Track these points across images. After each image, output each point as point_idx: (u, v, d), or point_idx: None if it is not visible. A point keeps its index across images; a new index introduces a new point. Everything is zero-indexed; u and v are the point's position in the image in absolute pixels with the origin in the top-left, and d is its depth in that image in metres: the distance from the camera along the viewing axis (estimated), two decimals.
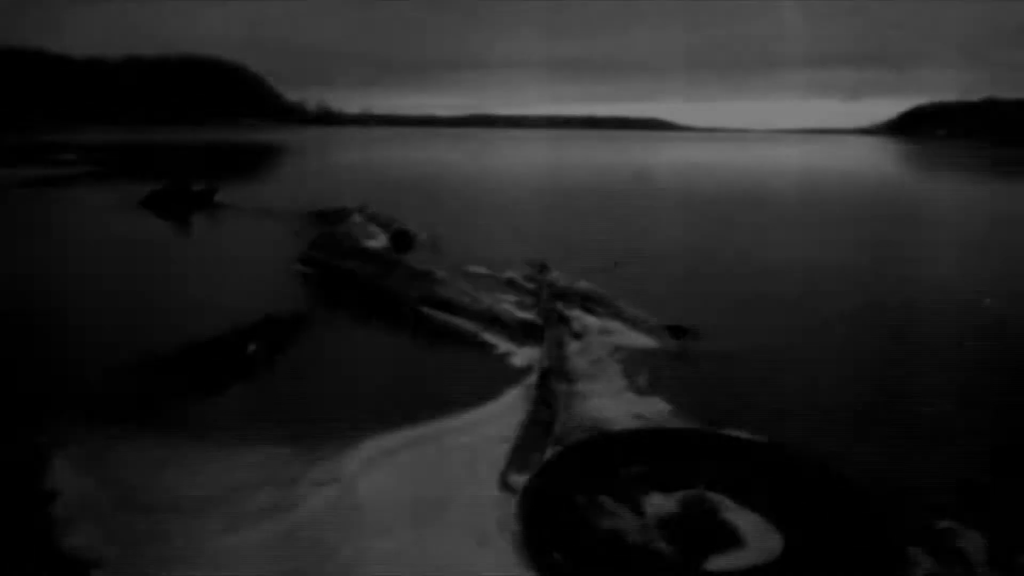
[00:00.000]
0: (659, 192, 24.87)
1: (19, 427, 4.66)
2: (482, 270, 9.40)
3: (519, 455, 4.11)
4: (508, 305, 7.52)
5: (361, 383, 5.69)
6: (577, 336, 6.58)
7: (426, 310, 7.63)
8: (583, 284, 8.19)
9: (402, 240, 12.01)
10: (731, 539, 3.31)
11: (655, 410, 4.87)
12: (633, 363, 5.86)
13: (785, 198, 23.07)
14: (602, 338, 6.49)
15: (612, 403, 4.99)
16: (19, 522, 3.55)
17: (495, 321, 7.03)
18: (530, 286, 8.49)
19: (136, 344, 5.91)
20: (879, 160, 57.00)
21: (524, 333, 6.68)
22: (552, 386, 5.11)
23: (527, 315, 7.15)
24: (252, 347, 6.06)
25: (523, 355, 6.15)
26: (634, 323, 6.89)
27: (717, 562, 3.13)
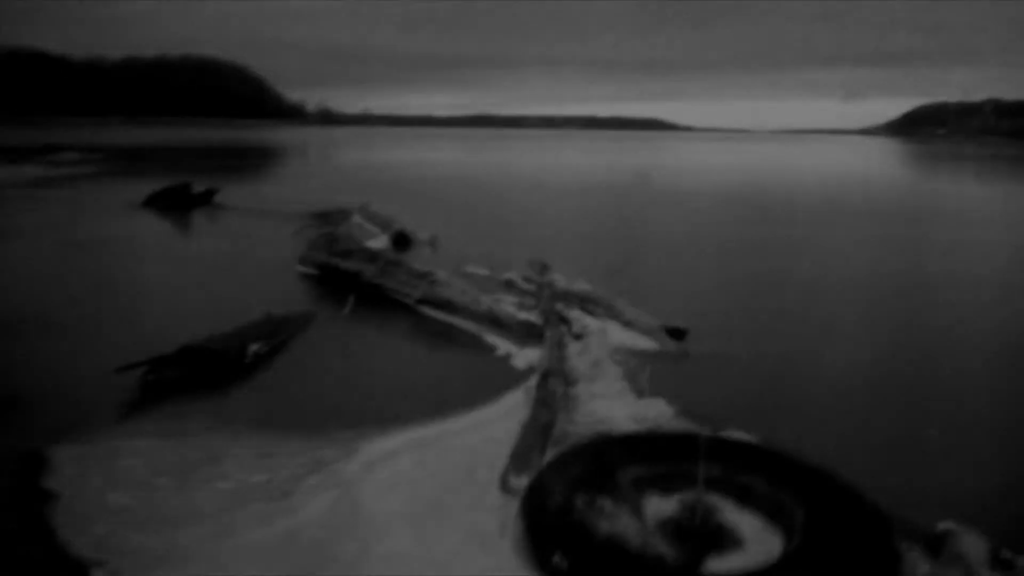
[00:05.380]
0: (660, 192, 24.87)
1: (18, 427, 4.66)
2: (482, 271, 9.40)
3: (519, 457, 4.11)
4: (508, 306, 7.52)
5: (361, 383, 5.69)
6: (577, 337, 6.58)
7: (427, 311, 7.63)
8: (583, 285, 8.19)
9: (402, 240, 12.01)
10: (731, 541, 3.31)
11: (655, 412, 4.87)
12: (633, 364, 5.86)
13: (787, 198, 23.07)
14: (602, 339, 6.49)
15: (612, 404, 4.99)
16: (19, 522, 3.55)
17: (495, 322, 7.03)
18: (530, 287, 8.49)
19: (137, 344, 5.91)
20: (880, 159, 57.00)
21: (524, 334, 6.68)
22: (552, 387, 5.11)
23: (527, 316, 7.16)
24: (252, 347, 6.06)
25: (523, 356, 6.16)
26: (634, 324, 6.89)
27: (717, 564, 3.13)
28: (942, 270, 10.90)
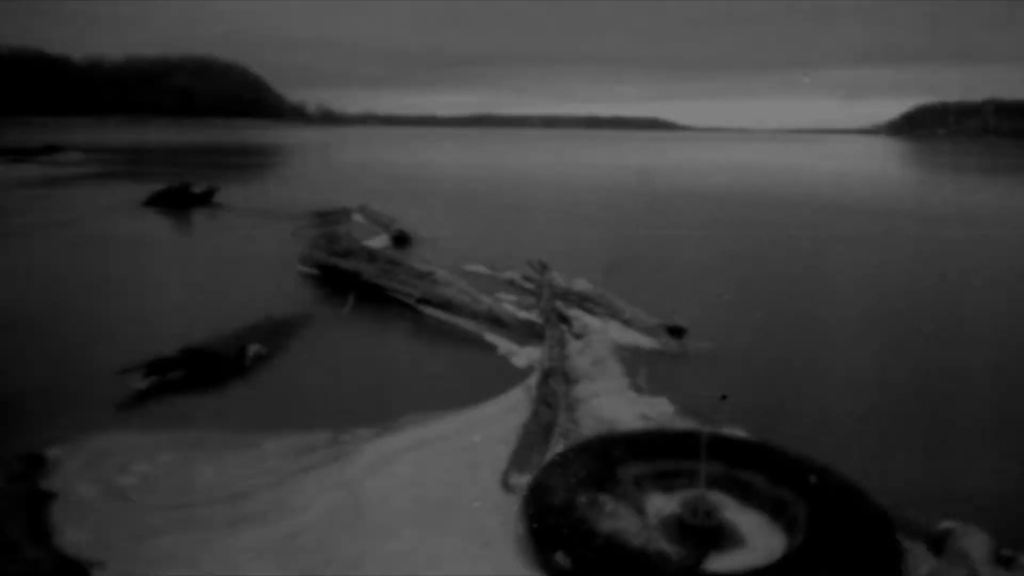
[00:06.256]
0: (660, 192, 24.85)
1: (19, 427, 4.66)
2: (483, 270, 9.40)
3: (521, 455, 4.11)
4: (509, 305, 7.52)
5: (362, 383, 5.69)
6: (578, 336, 6.57)
7: (427, 310, 7.63)
8: (583, 284, 8.18)
9: (402, 239, 12.01)
10: (732, 539, 3.31)
11: (656, 410, 4.87)
12: (633, 363, 5.86)
13: (787, 198, 23.04)
14: (602, 338, 6.48)
15: (613, 403, 4.99)
16: (19, 522, 3.55)
17: (496, 321, 7.02)
18: (530, 286, 8.48)
19: (137, 344, 5.91)
20: (880, 159, 56.97)
21: (525, 333, 6.67)
22: (553, 386, 5.11)
23: (527, 315, 7.15)
24: (252, 348, 6.05)
25: (524, 355, 6.15)
26: (634, 323, 6.88)
27: (718, 562, 3.13)
28: (943, 269, 10.88)
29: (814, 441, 4.31)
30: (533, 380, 5.37)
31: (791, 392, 5.58)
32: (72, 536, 3.37)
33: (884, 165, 49.08)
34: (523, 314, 7.17)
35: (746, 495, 3.58)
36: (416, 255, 10.46)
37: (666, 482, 3.69)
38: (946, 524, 3.27)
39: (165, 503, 3.70)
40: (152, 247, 12.19)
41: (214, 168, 30.47)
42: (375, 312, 7.81)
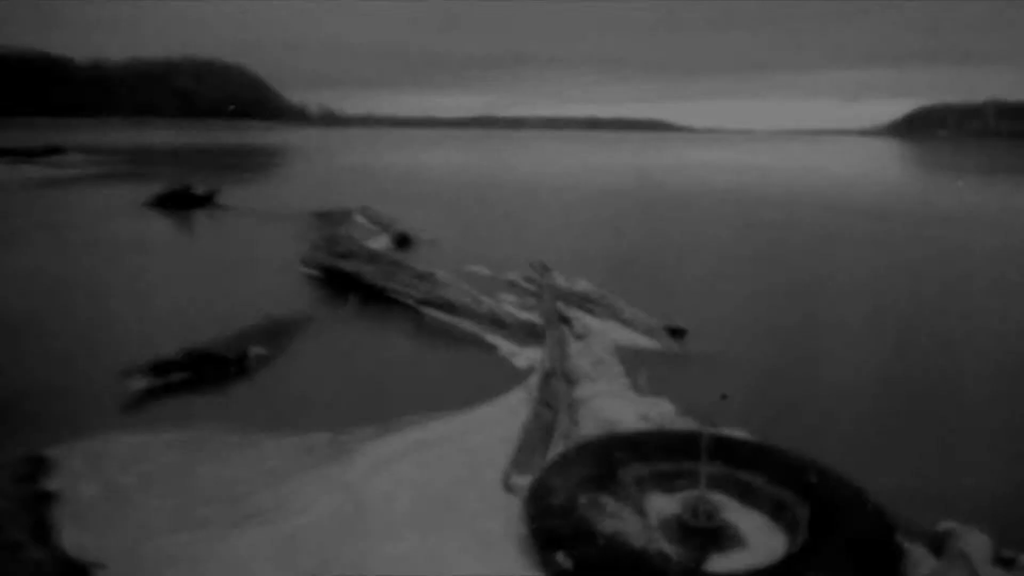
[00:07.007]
0: (660, 193, 24.85)
1: (19, 427, 4.66)
2: (484, 271, 9.40)
3: (522, 456, 4.11)
4: (510, 306, 7.52)
5: (363, 384, 5.69)
6: (578, 337, 6.58)
7: (428, 311, 7.63)
8: (583, 285, 8.18)
9: (403, 241, 12.02)
10: (733, 539, 3.31)
11: (657, 411, 4.87)
12: (634, 363, 5.86)
13: (788, 199, 23.03)
14: (603, 339, 6.48)
15: (614, 404, 4.98)
16: (20, 523, 3.55)
17: (497, 322, 7.02)
18: (531, 287, 8.48)
19: (138, 345, 5.91)
20: (881, 160, 56.93)
21: (526, 334, 6.68)
22: (554, 387, 5.11)
23: (528, 316, 7.15)
24: (254, 350, 6.06)
25: (525, 356, 6.15)
26: (634, 324, 6.88)
27: (719, 562, 3.13)
28: (943, 271, 10.88)
29: (815, 442, 4.31)
30: (534, 381, 5.38)
31: (792, 393, 5.57)
32: (74, 537, 3.38)
33: (885, 166, 49.03)
34: (524, 315, 7.17)
35: (747, 496, 3.59)
36: (417, 256, 10.46)
37: (667, 483, 3.69)
38: (946, 525, 3.27)
39: (167, 504, 3.71)
40: (154, 248, 12.20)
41: (216, 169, 30.49)
42: (376, 313, 7.82)
